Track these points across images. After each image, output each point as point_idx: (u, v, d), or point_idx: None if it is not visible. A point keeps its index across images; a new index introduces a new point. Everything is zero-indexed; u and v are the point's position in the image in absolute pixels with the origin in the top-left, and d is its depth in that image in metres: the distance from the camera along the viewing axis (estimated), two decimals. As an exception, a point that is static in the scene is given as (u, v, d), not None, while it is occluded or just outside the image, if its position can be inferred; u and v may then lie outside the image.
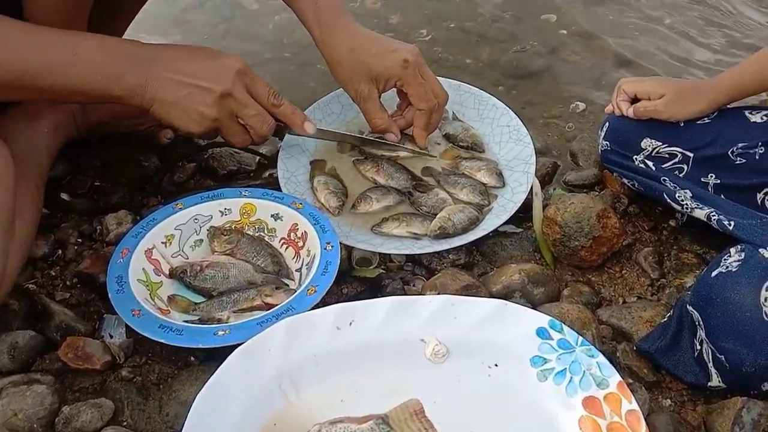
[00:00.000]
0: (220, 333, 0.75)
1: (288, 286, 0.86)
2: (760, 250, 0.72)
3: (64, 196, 1.02)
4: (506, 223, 0.97)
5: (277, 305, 0.79)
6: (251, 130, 0.88)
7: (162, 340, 0.75)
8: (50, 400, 0.73)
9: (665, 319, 0.80)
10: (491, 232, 0.94)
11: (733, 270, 0.72)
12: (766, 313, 0.68)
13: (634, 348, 0.81)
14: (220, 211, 0.91)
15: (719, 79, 0.98)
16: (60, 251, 0.93)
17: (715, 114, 0.97)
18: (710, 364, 0.72)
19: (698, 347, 0.74)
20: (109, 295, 0.80)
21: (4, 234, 0.75)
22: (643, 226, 1.00)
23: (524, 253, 0.96)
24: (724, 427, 0.71)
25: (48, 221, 0.96)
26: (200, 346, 0.75)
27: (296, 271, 0.88)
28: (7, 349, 0.78)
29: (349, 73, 0.95)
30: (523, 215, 0.99)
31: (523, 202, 0.98)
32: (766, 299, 0.68)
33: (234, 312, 0.83)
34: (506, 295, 0.86)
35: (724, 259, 0.74)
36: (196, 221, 0.91)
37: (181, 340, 0.75)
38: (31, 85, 0.79)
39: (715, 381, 0.73)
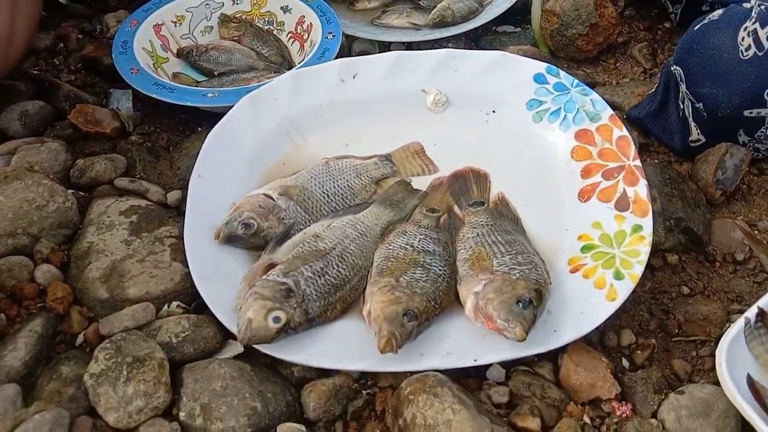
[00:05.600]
0: (210, 95, 0.78)
1: (288, 75, 0.87)
2: (743, 3, 0.74)
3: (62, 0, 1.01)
4: (505, 23, 0.98)
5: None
6: None
7: (154, 95, 0.78)
8: (64, 156, 0.75)
9: (653, 89, 0.83)
10: (490, 22, 0.95)
11: (715, 19, 0.74)
12: (741, 51, 0.70)
13: (625, 116, 0.84)
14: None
15: None
16: (62, 44, 0.94)
17: None
18: (690, 119, 0.75)
19: (681, 106, 0.76)
20: (112, 56, 0.82)
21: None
22: (638, 26, 1.01)
23: (522, 48, 0.97)
24: (708, 172, 0.75)
25: (47, 22, 0.96)
26: (188, 103, 0.77)
27: (299, 63, 0.89)
28: (18, 117, 0.79)
29: None
30: (520, 17, 1.00)
31: (522, 5, 0.98)
32: (743, 39, 0.70)
33: None
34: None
35: (709, 17, 0.76)
36: (207, 6, 0.92)
37: (171, 97, 0.77)
38: None
39: (695, 134, 0.76)
